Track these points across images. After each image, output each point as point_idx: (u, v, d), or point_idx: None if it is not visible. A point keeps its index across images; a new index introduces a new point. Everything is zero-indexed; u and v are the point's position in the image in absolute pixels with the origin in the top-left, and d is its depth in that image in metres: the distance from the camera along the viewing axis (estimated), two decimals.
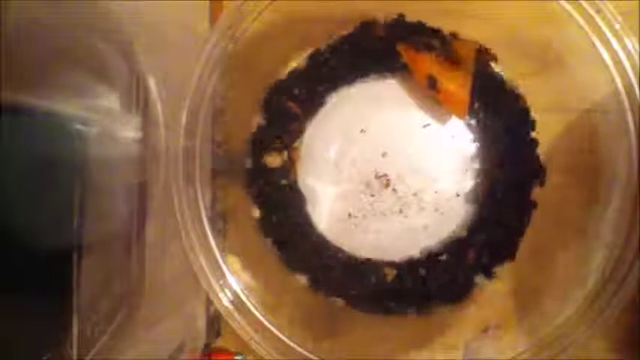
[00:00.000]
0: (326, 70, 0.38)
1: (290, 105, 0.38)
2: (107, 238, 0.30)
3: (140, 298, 0.32)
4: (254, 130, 0.38)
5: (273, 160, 0.38)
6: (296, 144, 0.39)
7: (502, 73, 0.38)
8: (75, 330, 0.27)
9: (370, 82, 0.39)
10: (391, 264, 0.38)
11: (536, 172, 0.37)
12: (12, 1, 0.23)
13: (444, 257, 0.38)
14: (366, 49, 0.38)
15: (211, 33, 0.33)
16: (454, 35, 0.37)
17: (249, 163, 0.38)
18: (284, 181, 0.38)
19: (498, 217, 0.37)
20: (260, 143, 0.38)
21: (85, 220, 0.27)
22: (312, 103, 0.39)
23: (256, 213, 0.38)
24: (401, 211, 0.38)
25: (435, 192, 0.38)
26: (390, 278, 0.38)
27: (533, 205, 0.37)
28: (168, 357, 0.34)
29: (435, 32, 0.38)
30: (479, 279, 0.37)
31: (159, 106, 0.34)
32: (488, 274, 0.37)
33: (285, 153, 0.38)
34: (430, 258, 0.38)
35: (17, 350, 0.25)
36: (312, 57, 0.38)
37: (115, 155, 0.31)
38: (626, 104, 0.32)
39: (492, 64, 0.38)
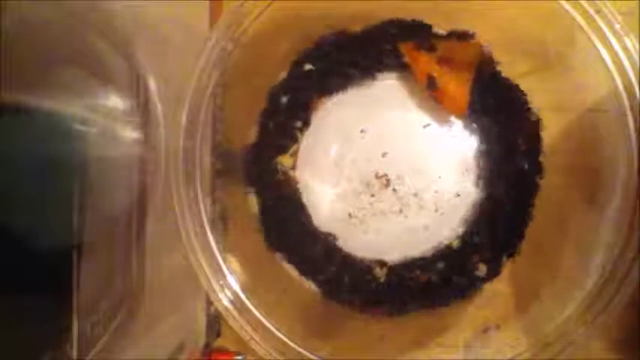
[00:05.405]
0: (326, 70, 0.38)
1: (290, 105, 0.38)
2: (107, 238, 0.30)
3: (140, 298, 0.32)
4: (254, 130, 0.38)
5: (273, 160, 0.38)
6: (296, 144, 0.39)
7: (502, 73, 0.38)
8: (75, 330, 0.27)
9: (370, 82, 0.39)
10: (391, 264, 0.38)
11: (536, 171, 0.37)
12: (12, 1, 0.23)
13: (444, 257, 0.38)
14: (367, 49, 0.38)
15: (211, 33, 0.33)
16: (455, 35, 0.37)
17: (249, 163, 0.38)
18: (284, 181, 0.38)
19: (499, 216, 0.37)
20: (260, 143, 0.38)
21: (85, 220, 0.27)
22: (312, 103, 0.39)
23: (256, 211, 0.38)
24: (401, 211, 0.38)
25: (435, 192, 0.38)
26: (389, 278, 0.38)
27: (534, 204, 0.37)
28: (168, 357, 0.34)
29: (436, 32, 0.38)
30: (479, 278, 0.37)
31: (159, 106, 0.34)
32: (489, 273, 0.37)
33: (286, 153, 0.38)
34: (430, 258, 0.38)
35: (17, 350, 0.25)
36: (312, 57, 0.38)
37: (115, 155, 0.31)
38: (626, 104, 0.32)
39: (492, 64, 0.38)
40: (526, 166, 0.37)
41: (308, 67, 0.38)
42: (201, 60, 0.32)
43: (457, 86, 0.37)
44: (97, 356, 0.28)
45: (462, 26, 0.37)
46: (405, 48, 0.38)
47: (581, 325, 0.31)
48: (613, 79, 0.32)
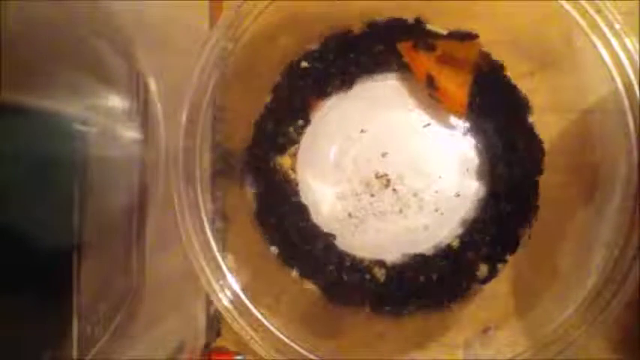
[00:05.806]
0: (326, 70, 0.38)
1: (290, 105, 0.38)
2: (107, 238, 0.30)
3: (140, 298, 0.32)
4: (254, 130, 0.38)
5: (273, 160, 0.38)
6: (296, 144, 0.39)
7: (502, 73, 0.38)
8: (75, 330, 0.27)
9: (370, 82, 0.39)
10: (391, 264, 0.38)
11: (536, 171, 0.37)
12: (12, 1, 0.23)
13: (444, 257, 0.38)
14: (367, 49, 0.38)
15: (211, 33, 0.33)
16: (455, 35, 0.37)
17: (249, 163, 0.38)
18: (284, 181, 0.38)
19: (499, 216, 0.37)
20: (260, 143, 0.38)
21: (85, 220, 0.27)
22: (312, 104, 0.39)
23: (255, 211, 0.38)
24: (401, 211, 0.38)
25: (435, 192, 0.38)
26: (389, 278, 0.38)
27: (534, 204, 0.37)
28: (168, 357, 0.34)
29: (436, 32, 0.38)
30: (479, 278, 0.37)
31: (159, 106, 0.34)
32: (489, 273, 0.37)
33: (286, 153, 0.38)
34: (430, 258, 0.38)
35: (17, 350, 0.25)
36: (311, 57, 0.38)
37: (115, 155, 0.31)
38: (626, 104, 0.32)
39: (492, 64, 0.38)
40: (526, 166, 0.37)
41: (307, 67, 0.38)
42: (201, 60, 0.32)
43: (457, 86, 0.37)
44: (97, 356, 0.28)
45: (463, 26, 0.37)
46: (404, 48, 0.38)
47: (581, 326, 0.31)
48: (613, 79, 0.32)
